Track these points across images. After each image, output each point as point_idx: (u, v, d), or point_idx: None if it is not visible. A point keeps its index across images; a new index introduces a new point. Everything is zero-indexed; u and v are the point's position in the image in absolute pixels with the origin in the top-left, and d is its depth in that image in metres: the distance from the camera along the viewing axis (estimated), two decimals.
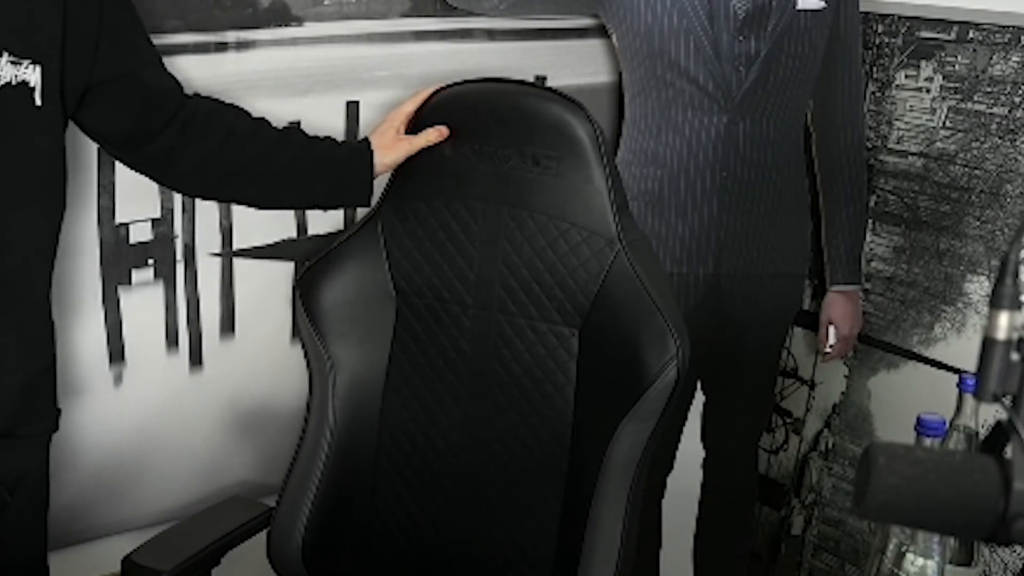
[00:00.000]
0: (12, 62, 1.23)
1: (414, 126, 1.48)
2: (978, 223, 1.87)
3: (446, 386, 1.49)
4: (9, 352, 1.31)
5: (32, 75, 1.25)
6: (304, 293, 1.47)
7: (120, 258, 1.55)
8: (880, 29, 1.96)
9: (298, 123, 1.62)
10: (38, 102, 1.26)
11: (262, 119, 1.47)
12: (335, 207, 1.62)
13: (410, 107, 1.48)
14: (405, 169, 1.49)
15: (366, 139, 1.49)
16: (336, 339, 1.47)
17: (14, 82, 1.23)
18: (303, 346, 1.49)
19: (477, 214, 1.46)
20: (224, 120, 1.44)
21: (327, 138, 1.49)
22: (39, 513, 1.41)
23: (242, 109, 1.47)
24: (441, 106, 1.47)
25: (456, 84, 1.48)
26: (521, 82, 1.53)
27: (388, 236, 1.48)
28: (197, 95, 1.45)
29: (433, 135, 1.45)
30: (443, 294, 1.47)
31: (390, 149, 1.47)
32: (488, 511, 1.49)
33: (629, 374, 1.34)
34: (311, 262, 1.49)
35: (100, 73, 1.33)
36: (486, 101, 1.46)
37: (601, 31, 1.91)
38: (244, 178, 1.46)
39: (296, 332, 1.48)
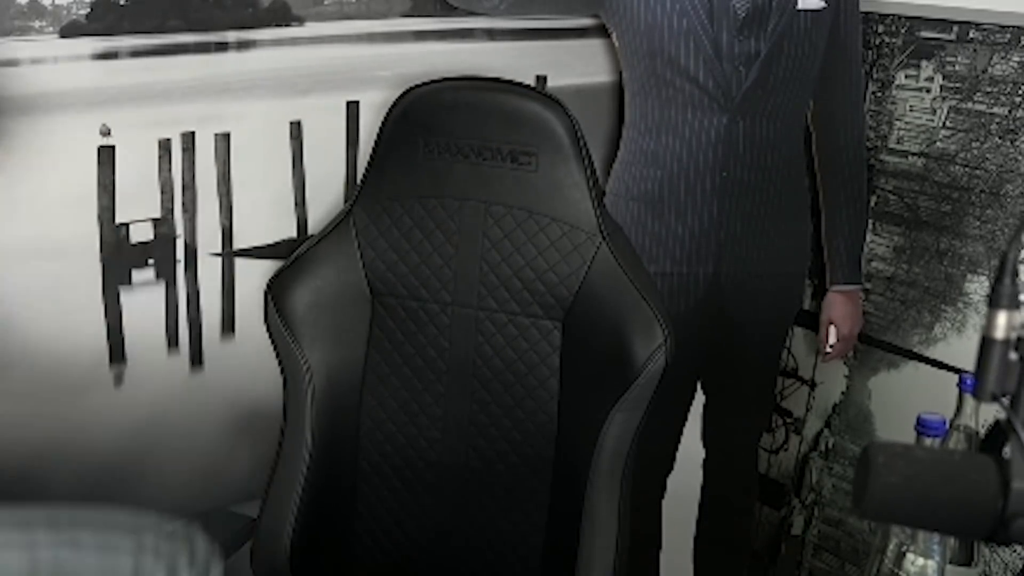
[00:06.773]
0: None
1: (391, 125, 1.46)
2: (978, 223, 1.86)
3: (425, 384, 1.49)
4: None
5: None
6: (276, 297, 1.45)
7: (120, 258, 1.54)
8: (880, 29, 1.96)
9: (298, 123, 1.62)
10: None
11: None
12: None
13: None
14: (378, 168, 1.48)
15: None
16: (310, 342, 1.45)
17: None
18: (276, 351, 1.46)
19: (454, 211, 1.45)
20: None
21: None
22: None
23: None
24: (418, 104, 1.47)
25: (434, 82, 1.48)
26: (497, 80, 1.53)
27: (361, 236, 1.48)
28: None
29: None
30: (420, 292, 1.47)
31: None
32: (474, 505, 1.49)
33: (617, 363, 1.34)
34: (282, 266, 1.48)
35: None
36: (463, 99, 1.46)
37: (601, 31, 1.90)
38: None
39: (269, 336, 1.46)
